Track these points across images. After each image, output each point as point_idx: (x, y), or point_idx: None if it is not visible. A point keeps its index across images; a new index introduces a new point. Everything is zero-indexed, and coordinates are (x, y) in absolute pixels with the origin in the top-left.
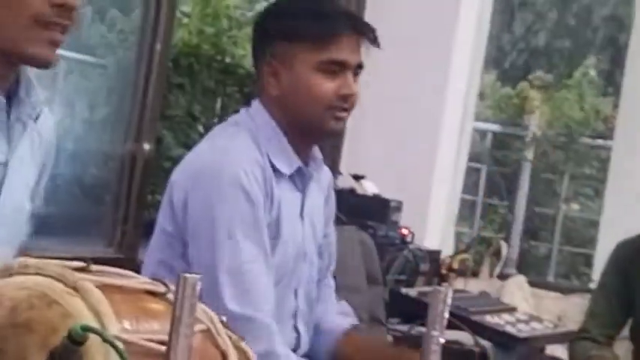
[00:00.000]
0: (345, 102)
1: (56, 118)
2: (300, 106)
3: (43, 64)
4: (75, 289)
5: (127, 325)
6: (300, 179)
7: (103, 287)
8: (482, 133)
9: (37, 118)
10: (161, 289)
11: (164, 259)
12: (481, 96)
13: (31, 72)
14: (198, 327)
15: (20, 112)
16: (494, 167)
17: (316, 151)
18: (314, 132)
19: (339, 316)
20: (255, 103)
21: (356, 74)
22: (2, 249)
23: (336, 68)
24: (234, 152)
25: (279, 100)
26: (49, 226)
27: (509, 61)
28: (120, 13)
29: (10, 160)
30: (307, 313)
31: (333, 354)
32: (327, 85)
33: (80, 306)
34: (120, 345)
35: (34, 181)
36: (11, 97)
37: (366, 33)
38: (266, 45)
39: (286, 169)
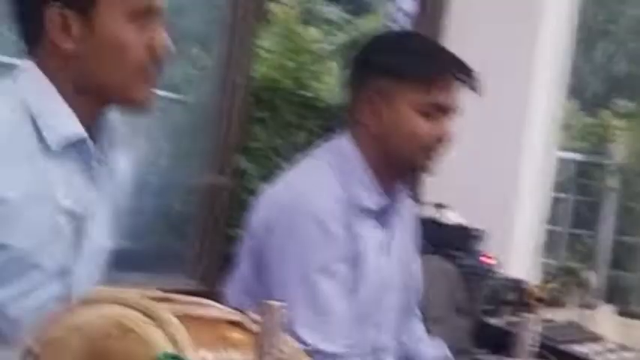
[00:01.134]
0: (440, 143)
1: (140, 153)
2: (398, 144)
3: (145, 108)
4: (153, 318)
5: (206, 354)
6: (384, 214)
7: (182, 317)
8: (566, 163)
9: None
10: (242, 318)
11: (246, 287)
12: (564, 126)
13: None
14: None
15: (106, 155)
16: (579, 197)
17: (400, 187)
18: (406, 168)
19: (435, 350)
20: (344, 136)
21: (451, 116)
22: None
23: (436, 111)
24: (316, 188)
25: (375, 137)
26: (132, 260)
27: (591, 90)
28: (202, 50)
29: (96, 204)
30: (392, 346)
31: None
32: (427, 127)
33: (158, 335)
34: None
35: (112, 220)
36: (95, 141)
37: (470, 78)
38: (367, 79)
39: (372, 205)
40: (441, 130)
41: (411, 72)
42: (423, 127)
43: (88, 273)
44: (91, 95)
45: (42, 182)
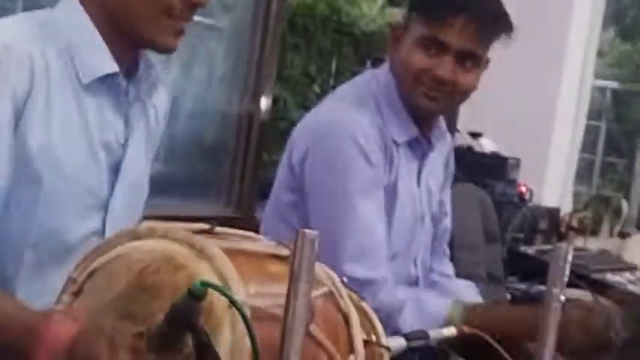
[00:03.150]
0: (438, 84)
1: (173, 78)
2: (397, 77)
3: (167, 51)
4: (201, 253)
5: (252, 289)
6: (418, 147)
7: (229, 251)
8: (602, 91)
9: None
10: (285, 252)
11: (283, 217)
12: (600, 53)
13: None
14: (320, 290)
15: (139, 91)
16: (613, 125)
17: (439, 120)
18: (412, 107)
19: (465, 292)
20: (385, 66)
21: (463, 61)
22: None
23: (436, 48)
24: (356, 114)
25: (392, 69)
26: (167, 186)
27: (630, 17)
28: None
29: (130, 140)
30: (424, 281)
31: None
32: (422, 61)
33: (206, 270)
34: (246, 308)
35: (149, 157)
36: (129, 76)
37: (485, 20)
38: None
39: (401, 137)
40: (435, 66)
41: (422, 5)
42: (416, 58)
43: (123, 210)
44: (124, 35)
45: (75, 114)
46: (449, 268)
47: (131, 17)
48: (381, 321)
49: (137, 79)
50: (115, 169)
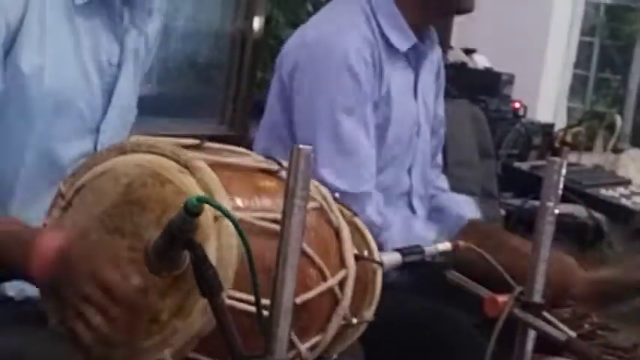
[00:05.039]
0: None
1: None
2: None
3: None
4: (187, 167)
5: (239, 202)
6: (414, 56)
7: (216, 165)
8: (596, 6)
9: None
10: (274, 166)
11: (276, 135)
12: None
13: None
14: (311, 204)
15: (135, 16)
16: (607, 41)
17: (432, 31)
18: (445, 9)
19: (464, 206)
20: None
21: None
22: None
23: None
24: (345, 29)
25: None
26: (161, 106)
27: None
28: None
29: (124, 63)
30: (423, 190)
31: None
32: None
33: (192, 184)
34: (236, 217)
35: (138, 82)
36: (126, 1)
37: None
38: None
39: (402, 45)
40: None
41: None
42: None
43: (115, 131)
44: None
45: (68, 36)
46: (444, 181)
47: None
48: None
49: (133, 5)
50: (108, 93)
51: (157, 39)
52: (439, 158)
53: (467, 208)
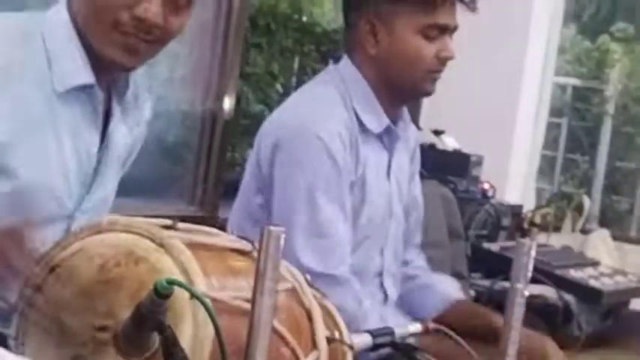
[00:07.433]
0: (443, 65)
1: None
2: (400, 69)
3: (120, 67)
4: (162, 246)
5: (214, 282)
6: (388, 138)
7: (191, 245)
8: (563, 88)
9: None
10: (248, 247)
11: (252, 217)
12: (561, 50)
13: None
14: (283, 285)
15: (128, 115)
16: (574, 122)
17: (404, 112)
18: (408, 93)
19: (449, 286)
20: (345, 60)
21: (450, 36)
22: None
23: (437, 32)
24: (322, 112)
25: (376, 60)
26: (131, 186)
27: (589, 14)
28: None
29: (105, 156)
30: (394, 271)
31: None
32: (429, 49)
33: (168, 263)
34: (207, 300)
35: (122, 168)
36: (112, 93)
37: None
38: (366, 4)
39: (375, 127)
40: (444, 50)
41: None
42: (424, 49)
43: (89, 218)
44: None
45: (47, 120)
46: (423, 260)
47: (87, 31)
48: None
49: (125, 103)
50: (86, 183)
51: (148, 119)
52: (418, 237)
53: (451, 287)
